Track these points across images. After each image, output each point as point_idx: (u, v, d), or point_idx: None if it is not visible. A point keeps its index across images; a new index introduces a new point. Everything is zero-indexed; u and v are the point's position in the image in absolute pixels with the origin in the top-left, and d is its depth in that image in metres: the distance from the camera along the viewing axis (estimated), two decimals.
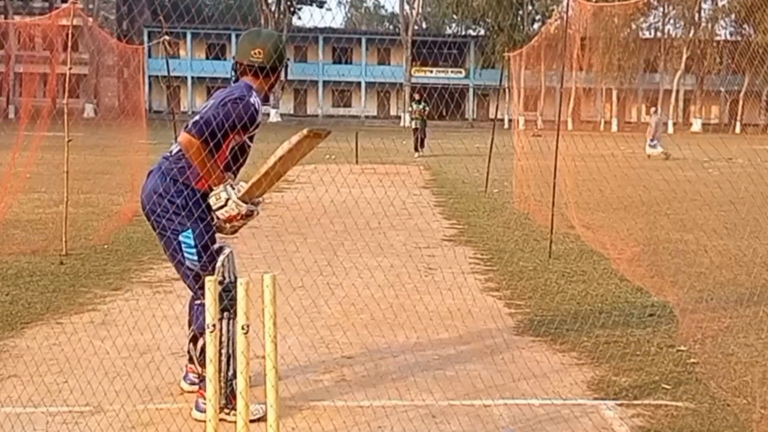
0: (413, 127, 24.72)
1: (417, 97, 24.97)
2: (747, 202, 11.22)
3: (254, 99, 3.85)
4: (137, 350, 4.83)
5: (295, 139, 3.62)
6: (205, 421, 3.44)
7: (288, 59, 4.11)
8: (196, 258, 3.85)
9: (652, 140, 24.05)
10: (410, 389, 4.25)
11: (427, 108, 24.80)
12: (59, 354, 4.70)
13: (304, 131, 3.61)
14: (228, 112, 3.75)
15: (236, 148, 3.90)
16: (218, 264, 3.80)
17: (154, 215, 3.89)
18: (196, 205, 3.85)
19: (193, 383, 4.12)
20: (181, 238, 3.85)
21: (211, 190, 3.88)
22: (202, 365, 3.90)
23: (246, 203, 3.85)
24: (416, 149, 23.91)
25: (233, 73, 4.03)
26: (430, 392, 4.21)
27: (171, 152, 3.95)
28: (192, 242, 3.84)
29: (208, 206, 3.89)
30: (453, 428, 3.79)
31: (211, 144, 3.75)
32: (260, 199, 3.97)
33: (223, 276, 3.77)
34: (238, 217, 3.86)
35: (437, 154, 22.37)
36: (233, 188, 3.84)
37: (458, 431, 3.76)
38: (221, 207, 3.83)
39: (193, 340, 4.04)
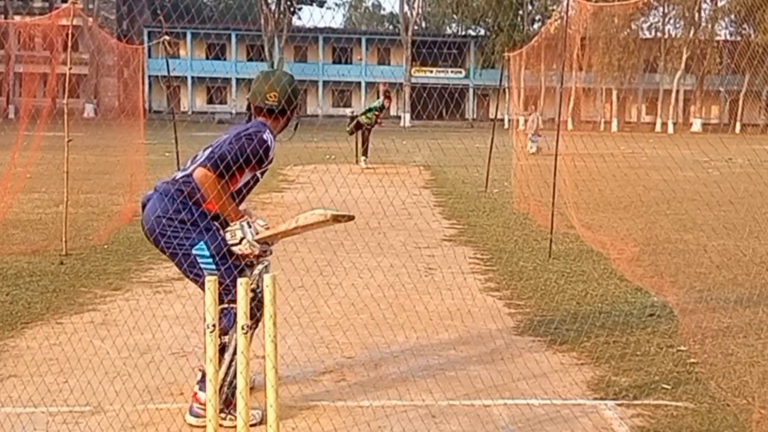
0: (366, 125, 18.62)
1: (385, 88, 19.49)
2: (746, 202, 11.24)
3: (267, 135, 3.88)
4: (137, 350, 4.83)
5: (316, 218, 3.66)
6: (197, 426, 3.55)
7: (300, 100, 4.15)
8: (214, 267, 3.78)
9: (533, 136, 24.94)
10: (410, 389, 4.26)
11: (384, 106, 18.77)
12: (59, 354, 4.70)
13: (329, 215, 3.65)
14: (242, 147, 3.77)
15: (249, 181, 3.94)
16: (255, 271, 3.79)
17: (163, 238, 3.83)
18: (201, 216, 3.82)
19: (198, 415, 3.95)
20: (194, 252, 3.80)
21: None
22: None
23: (259, 244, 3.85)
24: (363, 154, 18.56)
25: (247, 113, 4.08)
26: (430, 392, 4.22)
27: (174, 177, 3.93)
28: (207, 253, 3.79)
29: (215, 217, 3.88)
30: (453, 428, 3.79)
31: (226, 177, 3.77)
32: (274, 241, 3.96)
33: (257, 285, 3.74)
34: (251, 256, 3.84)
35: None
36: (250, 227, 3.82)
37: (458, 431, 3.77)
38: (235, 244, 3.80)
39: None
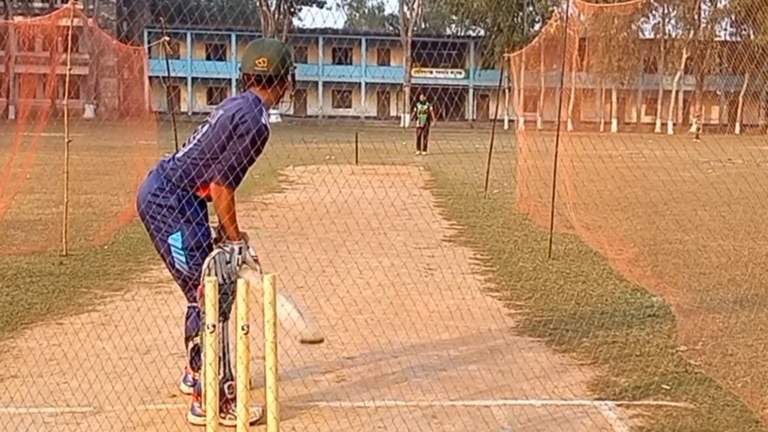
0: (418, 125, 25.86)
1: (423, 98, 26.10)
2: (746, 202, 11.24)
3: (264, 119, 3.77)
4: (137, 351, 4.83)
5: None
6: (201, 425, 3.46)
7: (294, 67, 3.96)
8: (184, 261, 3.80)
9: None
10: (410, 389, 4.26)
11: (430, 107, 25.81)
12: (59, 354, 4.70)
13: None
14: (246, 149, 3.70)
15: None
16: (204, 266, 3.72)
17: (147, 216, 3.84)
18: (187, 205, 3.79)
19: (192, 385, 4.11)
20: (170, 240, 3.79)
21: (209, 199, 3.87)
22: (194, 369, 3.89)
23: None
24: (419, 147, 25.01)
25: (240, 85, 3.95)
26: (430, 392, 4.22)
27: (173, 156, 3.91)
28: (180, 245, 3.78)
29: (201, 206, 3.86)
30: (453, 428, 3.79)
31: (237, 186, 3.79)
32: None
33: (223, 278, 3.73)
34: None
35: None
36: (240, 253, 3.79)
37: (458, 431, 3.77)
38: (228, 263, 3.75)
39: (186, 342, 4.01)
